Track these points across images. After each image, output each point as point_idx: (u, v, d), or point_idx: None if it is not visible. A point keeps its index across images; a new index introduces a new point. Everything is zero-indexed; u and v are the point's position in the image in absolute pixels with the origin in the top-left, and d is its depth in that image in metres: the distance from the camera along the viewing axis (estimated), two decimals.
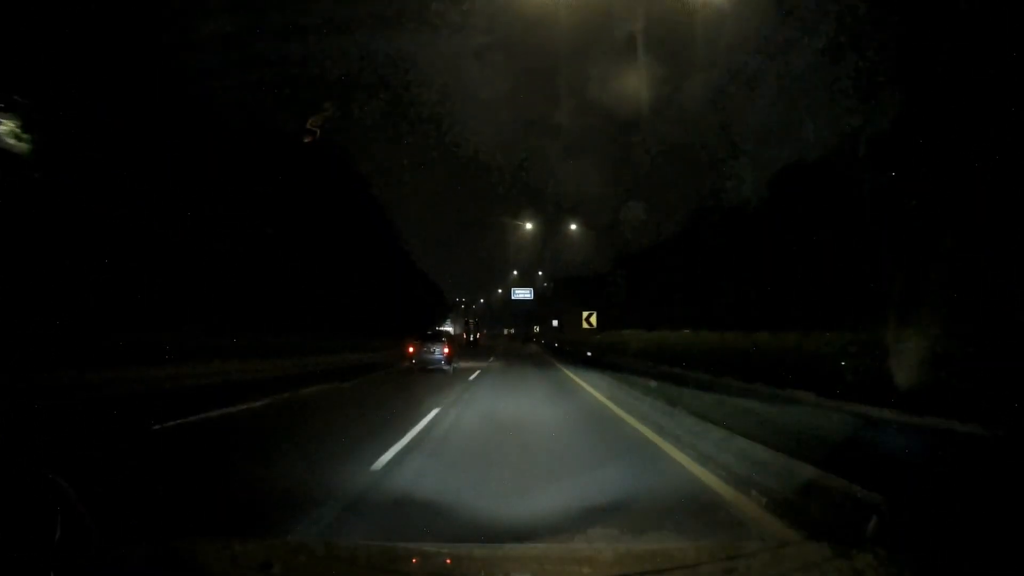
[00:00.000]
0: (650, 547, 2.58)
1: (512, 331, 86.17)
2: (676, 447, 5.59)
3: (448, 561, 1.97)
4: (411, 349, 16.66)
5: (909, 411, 5.24)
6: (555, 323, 47.13)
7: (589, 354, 22.60)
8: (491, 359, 24.32)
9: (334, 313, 26.14)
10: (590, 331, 26.57)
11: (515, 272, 61.59)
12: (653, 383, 10.40)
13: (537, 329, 64.91)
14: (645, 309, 27.03)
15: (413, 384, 13.00)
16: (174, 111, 14.70)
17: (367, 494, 4.05)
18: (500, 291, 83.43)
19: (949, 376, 5.23)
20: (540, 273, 57.48)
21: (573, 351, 27.04)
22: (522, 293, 54.69)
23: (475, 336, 54.29)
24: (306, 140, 19.42)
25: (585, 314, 26.11)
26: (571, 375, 15.41)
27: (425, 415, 7.69)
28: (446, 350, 16.24)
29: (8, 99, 11.63)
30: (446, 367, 16.05)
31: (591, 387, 11.96)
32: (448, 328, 52.81)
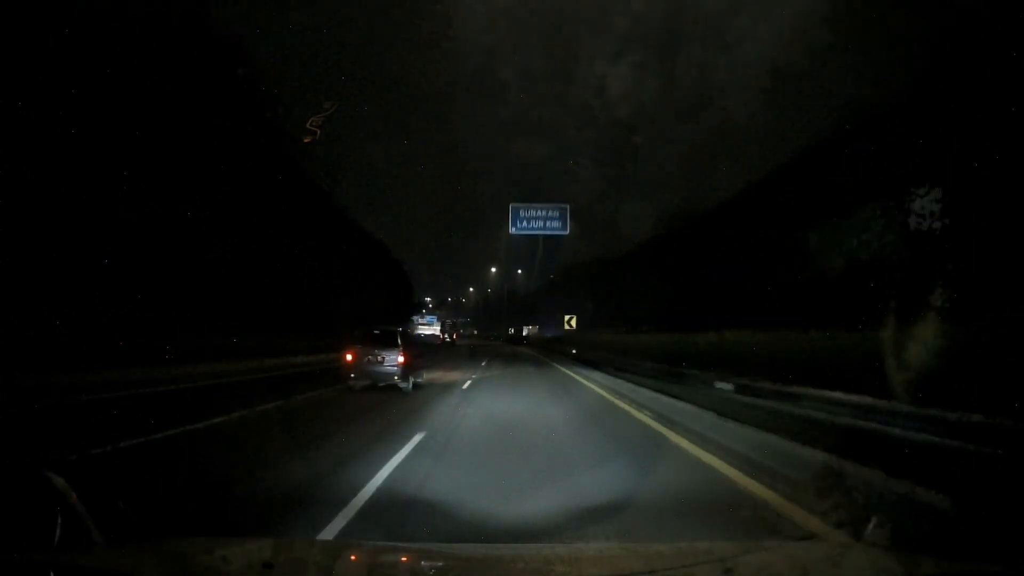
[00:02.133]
0: (651, 546, 2.58)
1: (514, 331, 59.87)
2: None
3: (449, 561, 1.97)
4: (349, 357, 11.91)
5: None
6: None
7: None
8: (473, 377, 15.77)
9: (300, 311, 23.95)
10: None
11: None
12: None
13: (570, 324, 34.83)
14: None
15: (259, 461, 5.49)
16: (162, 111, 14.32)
17: None
18: (494, 269, 68.56)
19: None
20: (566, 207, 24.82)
21: None
22: (540, 214, 24.39)
23: (452, 336, 55.97)
24: (306, 140, 19.40)
25: None
26: None
27: None
28: (400, 358, 11.71)
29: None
30: (402, 383, 11.75)
31: None
32: (435, 328, 50.48)
